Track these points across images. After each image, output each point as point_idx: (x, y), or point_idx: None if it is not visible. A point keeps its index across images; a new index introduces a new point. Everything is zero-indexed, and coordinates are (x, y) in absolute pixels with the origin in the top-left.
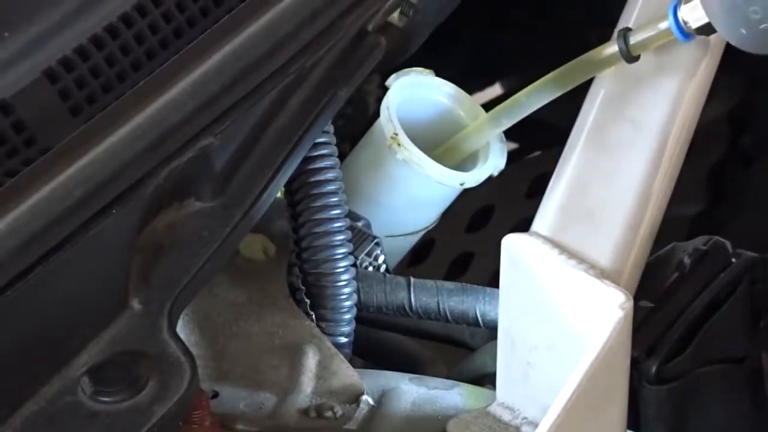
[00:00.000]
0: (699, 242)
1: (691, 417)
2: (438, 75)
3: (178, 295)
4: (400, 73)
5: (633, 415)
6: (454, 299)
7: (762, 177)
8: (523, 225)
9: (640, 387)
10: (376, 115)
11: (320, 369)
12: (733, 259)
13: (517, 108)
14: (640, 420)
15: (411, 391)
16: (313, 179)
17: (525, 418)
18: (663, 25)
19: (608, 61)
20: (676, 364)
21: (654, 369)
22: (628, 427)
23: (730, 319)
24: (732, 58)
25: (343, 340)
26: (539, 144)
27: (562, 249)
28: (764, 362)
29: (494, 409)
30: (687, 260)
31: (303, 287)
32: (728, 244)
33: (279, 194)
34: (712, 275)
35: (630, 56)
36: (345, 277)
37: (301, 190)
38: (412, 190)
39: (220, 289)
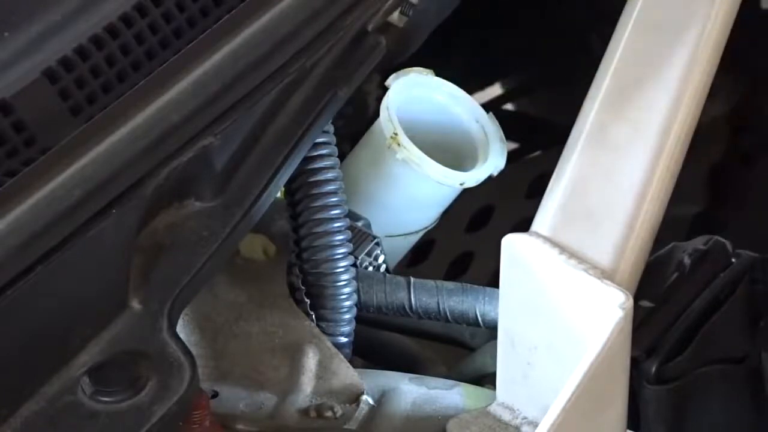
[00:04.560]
0: (699, 242)
1: (691, 417)
2: (438, 75)
3: (178, 295)
4: (400, 73)
5: (633, 415)
6: (454, 299)
7: (762, 177)
8: (523, 225)
9: (640, 387)
10: (376, 115)
11: (320, 369)
12: (733, 259)
13: None
14: (640, 420)
15: (411, 391)
16: (313, 179)
17: (525, 417)
18: None
19: None
20: (676, 364)
21: (654, 369)
22: (628, 427)
23: (730, 319)
24: (733, 59)
25: (343, 340)
26: (539, 144)
27: (562, 249)
28: (764, 362)
29: (494, 408)
30: (687, 260)
31: (303, 287)
32: (728, 244)
33: (279, 194)
34: (712, 275)
35: None
36: (345, 277)
37: (301, 190)
38: (411, 189)
39: (220, 289)
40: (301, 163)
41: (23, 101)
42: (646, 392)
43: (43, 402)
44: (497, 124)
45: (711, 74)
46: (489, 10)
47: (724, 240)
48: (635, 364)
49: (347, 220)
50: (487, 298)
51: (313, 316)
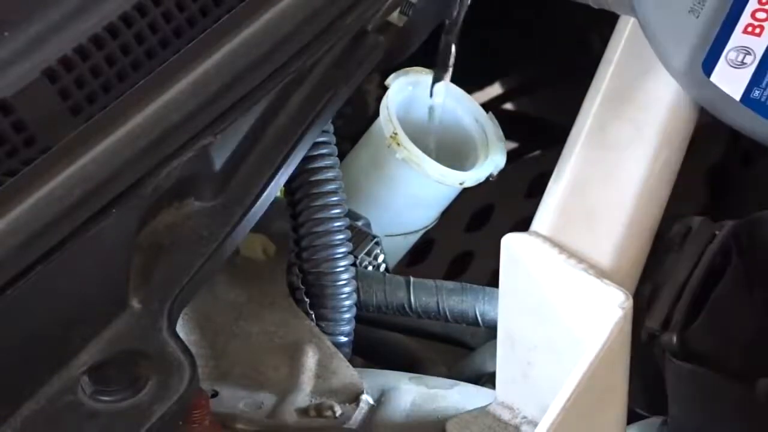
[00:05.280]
0: (680, 225)
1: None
2: None
3: (178, 295)
4: (399, 72)
5: (657, 397)
6: (453, 299)
7: (762, 177)
8: (523, 224)
9: (665, 361)
10: (376, 114)
11: (320, 368)
12: (717, 232)
13: None
14: (665, 401)
15: (411, 391)
16: (312, 179)
17: (524, 417)
18: None
19: None
20: (692, 331)
21: (675, 340)
22: (656, 412)
23: (732, 288)
24: None
25: (343, 339)
26: (539, 143)
27: (562, 248)
28: None
29: (494, 408)
30: (676, 239)
31: (303, 287)
32: (708, 219)
33: (279, 194)
34: (704, 246)
35: None
36: (345, 276)
37: (301, 190)
38: (411, 189)
39: (220, 289)
40: (301, 162)
41: (23, 101)
42: (673, 367)
43: (43, 401)
44: (497, 123)
45: None
46: (489, 10)
47: (702, 216)
48: (653, 339)
49: (347, 219)
50: (486, 298)
51: (313, 316)
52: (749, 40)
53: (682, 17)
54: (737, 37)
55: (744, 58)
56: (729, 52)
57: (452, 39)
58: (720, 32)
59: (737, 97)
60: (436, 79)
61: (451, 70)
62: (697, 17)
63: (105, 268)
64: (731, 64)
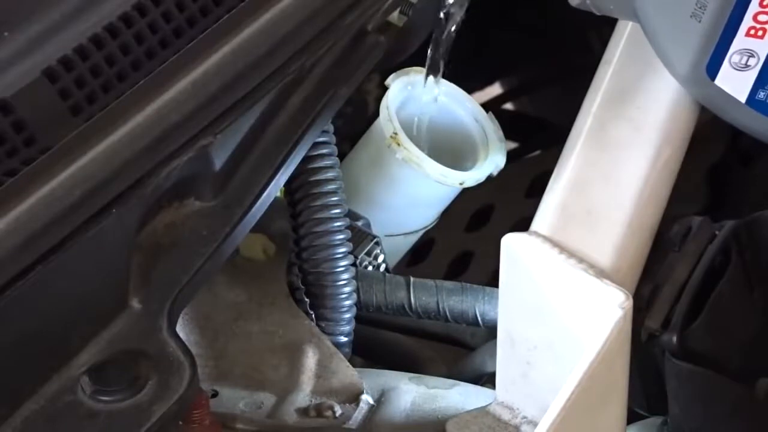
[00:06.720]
0: (680, 225)
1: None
2: None
3: (178, 295)
4: (399, 72)
5: (659, 394)
6: (453, 299)
7: (762, 177)
8: (523, 224)
9: (665, 361)
10: (376, 114)
11: (320, 368)
12: (717, 232)
13: None
14: (664, 399)
15: (411, 391)
16: (312, 179)
17: (524, 417)
18: None
19: None
20: (692, 331)
21: (675, 339)
22: (656, 412)
23: (732, 288)
24: None
25: (343, 339)
26: (539, 143)
27: (562, 248)
28: None
29: (494, 408)
30: (676, 238)
31: (303, 286)
32: (708, 219)
33: (279, 194)
34: (704, 246)
35: None
36: (345, 276)
37: (301, 190)
38: (411, 189)
39: (220, 289)
40: (301, 162)
41: (23, 101)
42: (673, 367)
43: (43, 401)
44: (497, 123)
45: None
46: (489, 10)
47: (702, 216)
48: (653, 339)
49: (347, 219)
50: (486, 298)
51: (313, 316)
52: (752, 43)
53: (684, 22)
54: (740, 40)
55: (748, 60)
56: (732, 55)
57: (441, 35)
58: (722, 36)
59: (742, 99)
60: (428, 74)
61: (443, 65)
62: (699, 21)
63: (105, 267)
64: (735, 66)
